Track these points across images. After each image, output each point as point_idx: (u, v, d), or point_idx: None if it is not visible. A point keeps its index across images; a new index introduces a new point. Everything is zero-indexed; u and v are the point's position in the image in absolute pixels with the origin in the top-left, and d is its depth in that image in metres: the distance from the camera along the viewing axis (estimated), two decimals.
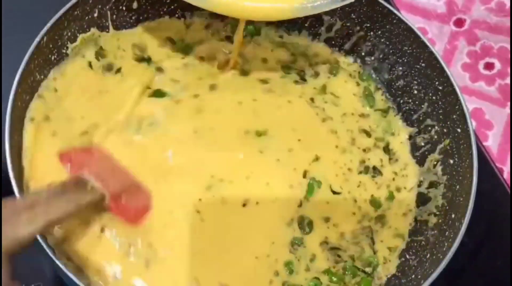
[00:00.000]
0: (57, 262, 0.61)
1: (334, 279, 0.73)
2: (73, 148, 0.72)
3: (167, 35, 0.86)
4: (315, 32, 0.91)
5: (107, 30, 0.82)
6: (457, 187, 0.76)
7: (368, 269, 0.76)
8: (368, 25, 0.87)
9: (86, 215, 0.68)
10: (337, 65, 0.89)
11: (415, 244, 0.78)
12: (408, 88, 0.87)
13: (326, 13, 0.89)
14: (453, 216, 0.74)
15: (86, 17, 0.79)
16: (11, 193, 0.63)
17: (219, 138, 0.78)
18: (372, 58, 0.89)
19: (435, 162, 0.82)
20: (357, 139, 0.83)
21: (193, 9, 0.88)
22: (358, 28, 0.88)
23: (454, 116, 0.79)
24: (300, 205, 0.76)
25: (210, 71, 0.84)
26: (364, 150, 0.83)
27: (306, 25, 0.91)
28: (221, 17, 0.88)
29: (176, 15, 0.88)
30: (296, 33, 0.91)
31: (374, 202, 0.80)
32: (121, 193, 0.69)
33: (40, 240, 0.62)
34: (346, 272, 0.74)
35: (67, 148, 0.72)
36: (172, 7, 0.88)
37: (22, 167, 0.70)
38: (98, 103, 0.77)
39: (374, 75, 0.89)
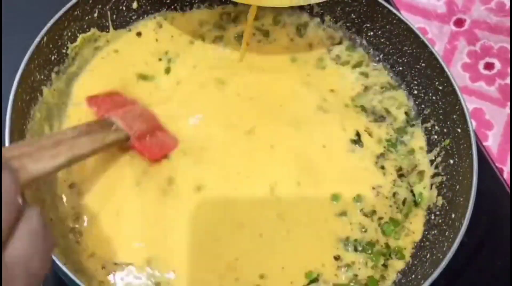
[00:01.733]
0: (57, 262, 0.61)
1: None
2: (101, 93, 0.78)
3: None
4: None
5: (107, 30, 0.82)
6: (457, 187, 0.76)
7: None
8: (368, 25, 0.87)
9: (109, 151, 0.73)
10: None
11: (415, 244, 0.78)
12: (408, 88, 0.86)
13: (327, 13, 0.89)
14: (453, 216, 0.74)
15: (86, 17, 0.79)
16: None
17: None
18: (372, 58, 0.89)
19: (435, 162, 0.82)
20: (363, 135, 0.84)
21: (193, 6, 0.88)
22: (358, 28, 0.88)
23: (454, 116, 0.79)
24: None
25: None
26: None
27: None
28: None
29: (177, 12, 0.88)
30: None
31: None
32: (146, 134, 0.74)
33: None
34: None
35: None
36: (172, 7, 0.88)
37: None
38: None
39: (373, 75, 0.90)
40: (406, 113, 0.85)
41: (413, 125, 0.85)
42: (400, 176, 0.81)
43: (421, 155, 0.83)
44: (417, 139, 0.84)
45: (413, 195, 0.80)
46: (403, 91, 0.87)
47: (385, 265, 0.75)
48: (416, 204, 0.79)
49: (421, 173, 0.81)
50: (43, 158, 0.53)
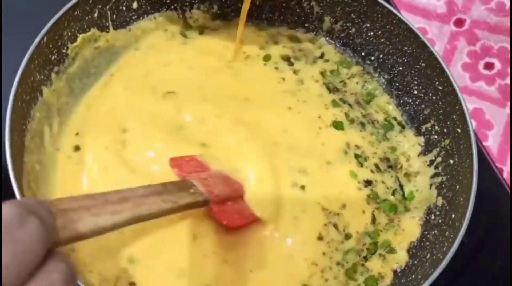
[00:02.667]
0: None
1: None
2: (185, 156, 0.73)
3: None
4: (316, 32, 0.91)
5: (107, 30, 0.82)
6: (457, 187, 0.76)
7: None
8: (368, 25, 0.87)
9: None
10: None
11: (415, 244, 0.78)
12: (408, 88, 0.87)
13: (327, 13, 0.89)
14: (453, 216, 0.74)
15: (86, 17, 0.79)
16: (11, 193, 0.63)
17: None
18: (372, 58, 0.89)
19: (435, 162, 0.82)
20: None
21: (192, 4, 0.88)
22: (358, 28, 0.88)
23: (454, 116, 0.79)
24: None
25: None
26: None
27: (306, 25, 0.91)
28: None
29: (176, 12, 0.88)
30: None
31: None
32: (227, 199, 0.70)
33: None
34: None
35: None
36: (172, 6, 0.88)
37: (22, 167, 0.70)
38: None
39: (374, 75, 0.90)
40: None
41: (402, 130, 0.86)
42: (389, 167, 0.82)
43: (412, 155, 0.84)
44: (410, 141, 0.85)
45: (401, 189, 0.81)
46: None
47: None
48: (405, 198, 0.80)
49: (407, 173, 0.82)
50: (102, 214, 0.50)
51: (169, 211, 0.62)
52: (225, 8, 0.90)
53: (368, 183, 0.80)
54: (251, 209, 0.72)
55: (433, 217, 0.78)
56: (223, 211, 0.69)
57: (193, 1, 0.89)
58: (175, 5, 0.88)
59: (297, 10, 0.90)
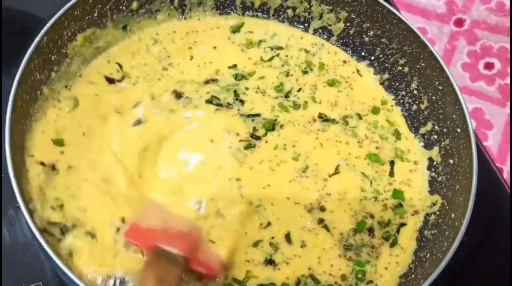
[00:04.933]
0: (57, 262, 0.61)
1: None
2: (132, 224, 0.71)
3: None
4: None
5: (107, 30, 0.82)
6: (457, 187, 0.76)
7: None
8: (368, 25, 0.87)
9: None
10: None
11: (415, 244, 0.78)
12: (408, 88, 0.86)
13: (327, 13, 0.89)
14: (453, 216, 0.74)
15: (86, 17, 0.79)
16: (11, 193, 0.64)
17: None
18: (372, 58, 0.89)
19: (435, 162, 0.82)
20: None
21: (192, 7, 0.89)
22: (358, 28, 0.88)
23: (454, 116, 0.79)
24: None
25: None
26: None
27: (306, 24, 0.91)
28: None
29: (177, 12, 0.89)
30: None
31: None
32: (195, 248, 0.70)
33: (41, 240, 0.62)
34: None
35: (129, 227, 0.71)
36: (172, 6, 0.88)
37: (22, 167, 0.70)
38: None
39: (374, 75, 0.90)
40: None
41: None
42: None
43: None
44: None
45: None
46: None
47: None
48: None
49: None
50: None
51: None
52: None
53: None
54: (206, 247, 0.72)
55: (433, 217, 0.78)
56: (200, 261, 0.69)
57: (192, 1, 0.89)
58: (175, 5, 0.88)
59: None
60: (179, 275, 0.65)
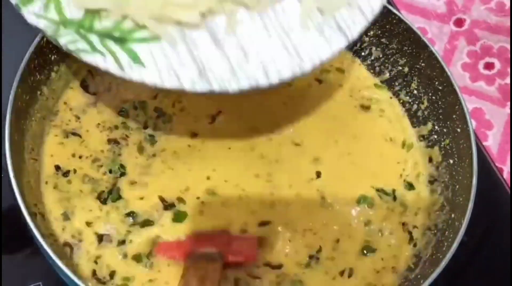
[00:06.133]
0: (57, 262, 0.61)
1: None
2: (162, 243, 0.71)
3: None
4: None
5: None
6: (457, 187, 0.76)
7: None
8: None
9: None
10: None
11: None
12: (408, 88, 0.87)
13: None
14: (453, 216, 0.74)
15: None
16: (11, 193, 0.63)
17: None
18: (372, 57, 0.89)
19: (435, 162, 0.82)
20: None
21: None
22: None
23: (454, 116, 0.79)
24: None
25: None
26: None
27: None
28: None
29: None
30: None
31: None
32: (227, 244, 0.71)
33: (41, 240, 0.62)
34: None
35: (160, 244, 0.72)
36: None
37: (22, 167, 0.70)
38: None
39: (374, 75, 0.90)
40: None
41: None
42: None
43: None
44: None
45: None
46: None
47: None
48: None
49: None
50: None
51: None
52: None
53: None
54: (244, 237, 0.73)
55: (432, 217, 0.78)
56: (234, 252, 0.70)
57: None
58: None
59: None
60: (219, 270, 0.67)
